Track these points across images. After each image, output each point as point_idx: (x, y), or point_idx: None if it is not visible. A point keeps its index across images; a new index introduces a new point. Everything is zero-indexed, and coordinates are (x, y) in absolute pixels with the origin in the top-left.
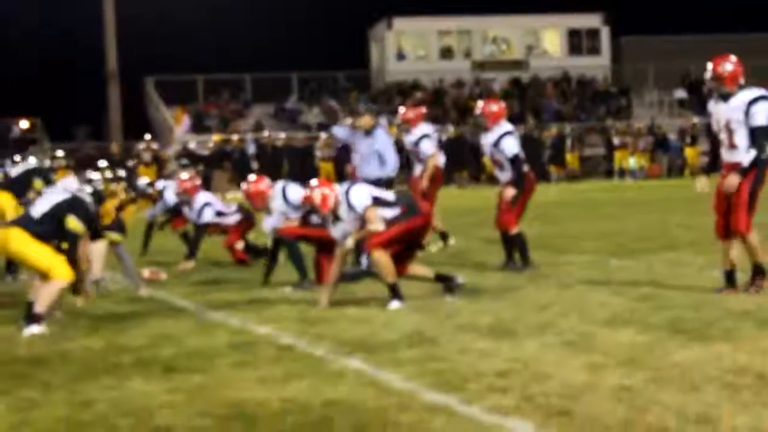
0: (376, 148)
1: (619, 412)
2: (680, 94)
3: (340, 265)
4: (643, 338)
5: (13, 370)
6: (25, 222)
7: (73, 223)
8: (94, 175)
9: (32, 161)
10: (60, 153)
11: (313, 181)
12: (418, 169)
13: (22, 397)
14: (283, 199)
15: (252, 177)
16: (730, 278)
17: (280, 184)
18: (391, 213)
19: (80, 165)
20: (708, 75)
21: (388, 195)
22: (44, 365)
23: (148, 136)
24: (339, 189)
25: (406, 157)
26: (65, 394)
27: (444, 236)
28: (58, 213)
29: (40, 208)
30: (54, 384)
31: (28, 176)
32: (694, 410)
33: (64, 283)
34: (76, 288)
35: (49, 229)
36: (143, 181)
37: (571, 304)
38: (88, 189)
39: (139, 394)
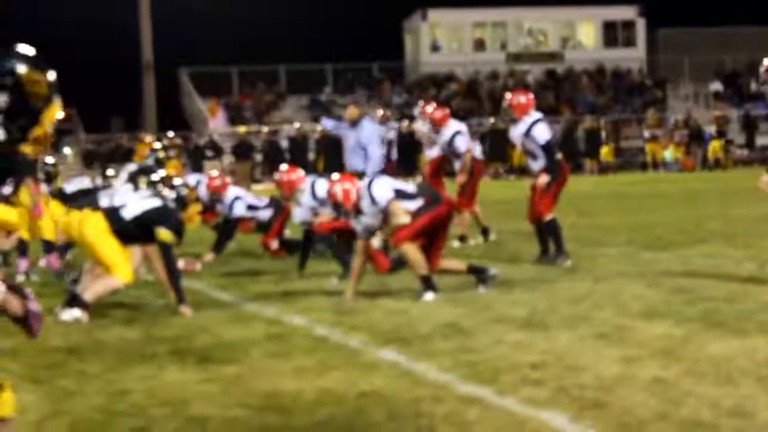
0: (362, 141)
1: (654, 404)
2: (716, 86)
3: (362, 258)
4: (678, 331)
5: (48, 360)
6: (110, 215)
7: (165, 234)
8: (177, 180)
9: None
10: (158, 145)
11: (335, 176)
12: (456, 165)
13: (58, 386)
14: (311, 195)
15: (284, 167)
16: None
17: (310, 178)
18: (414, 205)
19: (113, 156)
20: (763, 69)
21: (410, 187)
22: (80, 355)
23: (171, 133)
24: (361, 183)
25: (396, 149)
26: (101, 384)
27: (485, 231)
28: (147, 220)
29: (131, 210)
30: (89, 373)
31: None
32: (728, 403)
33: (121, 284)
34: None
35: (135, 232)
36: (177, 180)
37: (605, 296)
38: (172, 195)
39: (175, 384)
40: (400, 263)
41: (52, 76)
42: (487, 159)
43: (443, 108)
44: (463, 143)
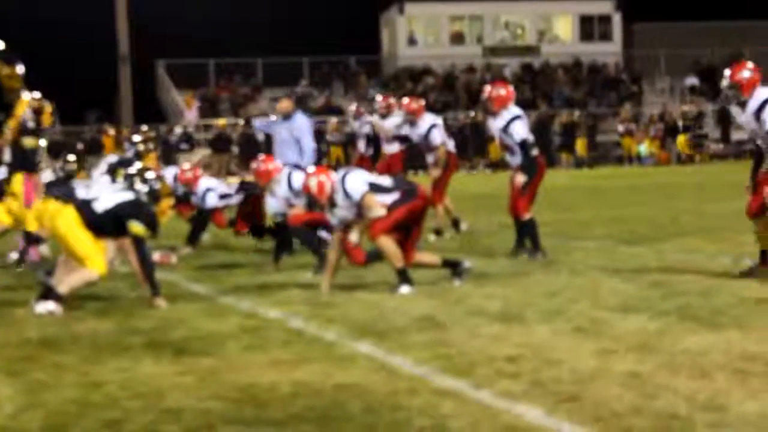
0: (294, 134)
1: (629, 398)
2: (691, 81)
3: (338, 251)
4: (654, 325)
5: (23, 352)
6: (83, 208)
7: (137, 227)
8: (150, 174)
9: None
10: (137, 138)
11: (311, 169)
12: (429, 157)
13: (33, 378)
14: (287, 186)
15: (261, 156)
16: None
17: (287, 170)
18: (389, 198)
19: (89, 148)
20: (726, 84)
21: (385, 180)
22: (55, 347)
23: (144, 127)
24: (335, 176)
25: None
26: (76, 376)
27: (456, 223)
28: (119, 213)
29: (104, 203)
30: (64, 366)
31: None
32: (703, 397)
33: (96, 276)
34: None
35: (107, 225)
36: (150, 174)
37: (581, 290)
38: (145, 188)
39: (150, 376)
40: (375, 256)
41: (21, 69)
42: (464, 153)
43: (418, 99)
44: (438, 136)
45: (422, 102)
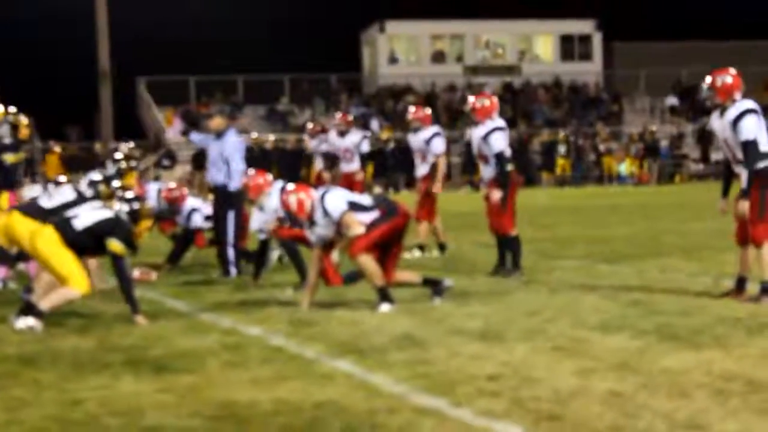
0: (224, 155)
1: (609, 417)
2: (671, 100)
3: (318, 268)
4: (634, 344)
5: (2, 369)
6: (63, 227)
7: (116, 245)
8: (129, 194)
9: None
10: (119, 155)
11: (290, 186)
12: (422, 169)
13: (12, 395)
14: (278, 200)
15: (251, 171)
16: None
17: (279, 183)
18: (369, 217)
19: (68, 165)
20: (705, 86)
21: (364, 199)
22: (34, 364)
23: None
24: (315, 194)
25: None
26: (55, 393)
27: (442, 246)
28: (98, 231)
29: (83, 221)
30: (44, 383)
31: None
32: (683, 416)
33: (78, 295)
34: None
35: (87, 243)
36: (130, 194)
37: (561, 309)
38: (125, 208)
39: (130, 393)
40: (354, 277)
41: None
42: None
43: (424, 109)
44: (440, 145)
45: (429, 111)
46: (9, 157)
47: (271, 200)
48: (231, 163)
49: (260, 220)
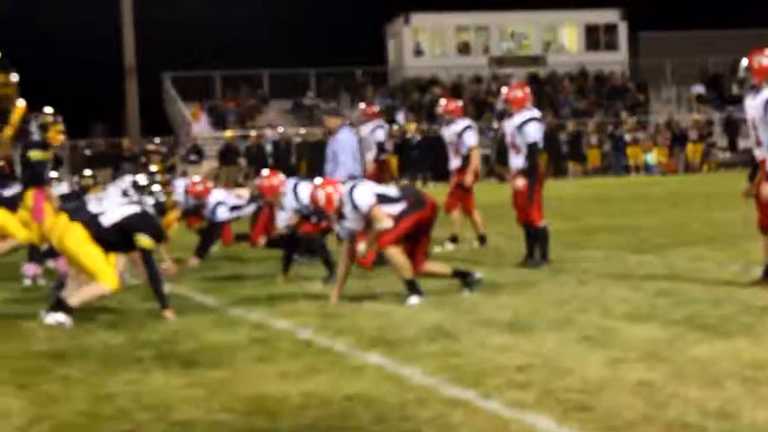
0: (338, 149)
1: (639, 407)
2: (698, 89)
3: (347, 261)
4: (663, 333)
5: (33, 365)
6: (90, 223)
7: (145, 241)
8: (156, 187)
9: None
10: (151, 146)
11: (318, 180)
12: (455, 162)
13: (43, 391)
14: (294, 197)
15: (265, 172)
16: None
17: (292, 181)
18: (397, 208)
19: (94, 161)
20: (742, 66)
21: (392, 191)
22: (64, 360)
23: (157, 140)
24: (343, 188)
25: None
26: (85, 388)
27: (482, 239)
28: (126, 227)
29: (110, 217)
30: (74, 378)
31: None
32: (714, 405)
33: (108, 290)
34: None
35: (115, 239)
36: (156, 187)
37: (590, 299)
38: (151, 200)
39: (160, 388)
40: (382, 258)
41: (15, 77)
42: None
43: (455, 101)
44: (472, 138)
45: (460, 103)
46: (35, 154)
47: (288, 199)
48: (340, 157)
49: (283, 218)
